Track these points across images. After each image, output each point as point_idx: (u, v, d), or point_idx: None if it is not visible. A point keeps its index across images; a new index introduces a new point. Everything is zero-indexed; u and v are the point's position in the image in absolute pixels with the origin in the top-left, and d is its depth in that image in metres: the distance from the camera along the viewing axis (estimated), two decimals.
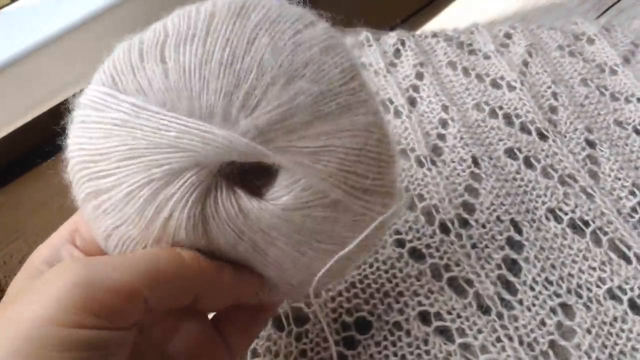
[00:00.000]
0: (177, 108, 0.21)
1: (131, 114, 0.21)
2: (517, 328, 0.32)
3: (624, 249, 0.34)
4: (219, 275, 0.22)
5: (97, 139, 0.22)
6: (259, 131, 0.21)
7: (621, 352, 0.31)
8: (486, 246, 0.35)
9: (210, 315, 0.27)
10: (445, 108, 0.42)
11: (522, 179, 0.38)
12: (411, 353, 0.31)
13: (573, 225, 0.36)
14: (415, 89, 0.44)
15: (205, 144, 0.21)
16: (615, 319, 0.32)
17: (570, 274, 0.34)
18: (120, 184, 0.21)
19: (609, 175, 0.38)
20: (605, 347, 0.31)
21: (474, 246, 0.35)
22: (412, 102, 0.44)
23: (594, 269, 0.34)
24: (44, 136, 0.46)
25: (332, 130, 0.22)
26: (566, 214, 0.36)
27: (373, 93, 0.25)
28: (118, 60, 0.23)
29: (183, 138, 0.21)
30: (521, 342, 0.31)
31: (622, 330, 0.32)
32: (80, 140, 0.23)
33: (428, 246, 0.35)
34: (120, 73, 0.22)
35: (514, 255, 0.34)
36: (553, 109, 0.43)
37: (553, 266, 0.34)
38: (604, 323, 0.32)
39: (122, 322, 0.19)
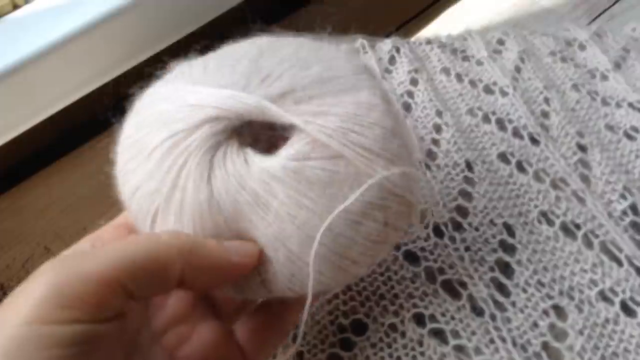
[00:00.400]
0: (204, 83, 0.25)
1: (169, 89, 0.26)
2: (510, 330, 0.32)
3: (615, 251, 0.35)
4: (202, 247, 0.22)
5: (143, 116, 0.26)
6: (270, 98, 0.24)
7: (613, 353, 0.31)
8: (479, 249, 0.35)
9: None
10: (439, 113, 0.43)
11: (514, 183, 0.39)
12: (406, 354, 0.32)
13: (565, 228, 0.36)
14: (410, 94, 0.45)
15: (223, 101, 0.24)
16: (607, 320, 0.32)
17: (562, 276, 0.34)
18: (147, 143, 0.24)
19: (600, 179, 0.39)
20: (598, 348, 0.31)
21: (467, 249, 0.35)
22: (407, 107, 0.44)
23: (586, 271, 0.34)
24: (46, 141, 0.47)
25: (336, 102, 0.25)
26: (558, 217, 0.37)
27: (386, 90, 0.27)
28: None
29: (204, 99, 0.24)
30: (514, 344, 0.32)
31: (614, 332, 0.32)
32: (130, 123, 0.27)
33: (422, 249, 0.36)
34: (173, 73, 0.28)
35: (507, 258, 0.35)
36: (545, 114, 0.43)
37: (545, 268, 0.34)
38: (596, 325, 0.32)
39: (101, 313, 0.19)
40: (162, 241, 0.21)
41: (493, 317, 0.33)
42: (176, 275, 0.21)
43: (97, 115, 0.49)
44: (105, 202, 0.43)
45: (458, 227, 0.36)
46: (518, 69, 0.47)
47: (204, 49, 0.46)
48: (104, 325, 0.19)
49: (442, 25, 0.57)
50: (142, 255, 0.20)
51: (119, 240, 0.22)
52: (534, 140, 0.41)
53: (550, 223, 0.37)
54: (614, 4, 0.58)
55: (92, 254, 0.20)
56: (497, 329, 0.32)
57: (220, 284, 0.25)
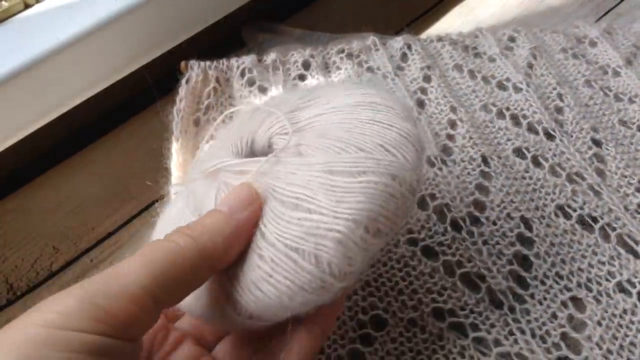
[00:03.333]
0: None
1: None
2: (529, 321, 0.32)
3: (632, 244, 0.35)
4: (217, 236, 0.23)
5: None
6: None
7: (631, 343, 0.32)
8: (497, 242, 0.35)
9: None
10: (453, 109, 0.43)
11: (530, 177, 0.39)
12: (426, 349, 0.32)
13: (582, 221, 0.37)
14: (424, 91, 0.45)
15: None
16: (624, 311, 0.33)
17: (580, 269, 0.34)
18: None
19: (616, 173, 0.39)
20: (616, 338, 0.32)
21: (485, 243, 0.35)
22: (421, 104, 0.44)
23: (603, 263, 0.35)
24: (53, 142, 0.47)
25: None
26: (575, 210, 0.37)
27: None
28: None
29: None
30: (533, 335, 0.32)
31: (632, 322, 0.32)
32: None
33: (440, 244, 0.36)
34: None
35: (525, 251, 0.35)
36: (559, 110, 0.43)
37: (563, 261, 0.35)
38: (614, 315, 0.33)
39: (128, 330, 0.19)
40: (179, 247, 0.22)
41: (512, 309, 0.33)
42: (204, 273, 0.22)
43: (103, 115, 0.49)
44: (112, 203, 0.44)
45: (476, 221, 0.37)
46: (530, 65, 0.47)
47: (209, 50, 0.47)
48: (126, 344, 0.19)
49: (450, 24, 0.58)
50: (165, 266, 0.21)
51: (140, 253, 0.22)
52: (549, 135, 0.41)
53: (567, 216, 0.37)
54: (619, 2, 0.59)
55: (117, 272, 0.20)
56: (516, 320, 0.32)
57: (239, 249, 0.24)
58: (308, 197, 0.23)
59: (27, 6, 0.45)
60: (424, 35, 0.52)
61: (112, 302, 0.19)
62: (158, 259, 0.21)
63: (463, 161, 0.40)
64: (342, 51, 0.48)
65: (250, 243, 0.24)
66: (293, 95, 0.30)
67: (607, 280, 0.34)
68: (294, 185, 0.24)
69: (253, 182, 0.25)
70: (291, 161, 0.25)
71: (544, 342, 0.32)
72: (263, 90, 0.45)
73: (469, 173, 0.39)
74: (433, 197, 0.38)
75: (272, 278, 0.23)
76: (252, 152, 0.29)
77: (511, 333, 0.32)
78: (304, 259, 0.23)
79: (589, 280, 0.34)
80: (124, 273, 0.20)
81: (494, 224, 0.36)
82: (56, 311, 0.18)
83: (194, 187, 0.28)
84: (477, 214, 0.37)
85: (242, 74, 0.45)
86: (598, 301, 0.33)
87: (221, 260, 0.23)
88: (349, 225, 0.23)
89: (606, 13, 0.58)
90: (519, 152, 0.41)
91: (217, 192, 0.26)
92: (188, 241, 0.22)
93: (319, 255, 0.23)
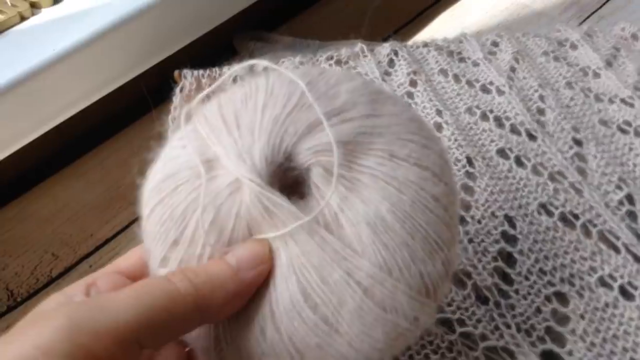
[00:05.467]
0: None
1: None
2: (514, 316, 0.33)
3: (613, 239, 0.36)
4: (219, 287, 0.21)
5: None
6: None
7: (614, 335, 0.33)
8: (482, 240, 0.37)
9: None
10: (439, 112, 0.44)
11: (514, 177, 0.40)
12: (415, 344, 0.33)
13: (564, 218, 0.38)
14: (410, 95, 0.46)
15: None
16: (607, 305, 0.34)
17: (562, 264, 0.36)
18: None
19: (596, 171, 0.40)
20: (599, 331, 0.33)
21: (470, 241, 0.37)
22: None
23: (585, 259, 0.36)
24: (51, 151, 0.48)
25: None
26: (557, 208, 0.38)
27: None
28: None
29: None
30: (519, 329, 0.33)
31: (614, 316, 0.33)
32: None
33: None
34: None
35: (509, 248, 0.36)
36: (541, 111, 0.45)
37: (546, 257, 0.36)
38: (597, 309, 0.34)
39: None
40: (177, 292, 0.20)
41: (497, 305, 0.34)
42: (195, 324, 0.21)
43: (100, 124, 0.50)
44: (110, 210, 0.45)
45: (461, 220, 0.38)
46: (513, 69, 0.48)
47: (202, 60, 0.48)
48: None
49: (437, 30, 0.59)
50: (159, 310, 0.19)
51: (118, 289, 0.20)
52: (531, 136, 0.43)
53: (549, 214, 0.38)
54: (602, 5, 0.60)
55: (107, 304, 0.19)
56: (501, 315, 0.33)
57: (238, 307, 0.22)
58: (334, 307, 0.21)
59: (23, 19, 0.45)
60: (410, 42, 0.53)
61: (95, 342, 0.17)
62: (152, 300, 0.19)
63: None
64: (331, 58, 0.49)
65: (254, 304, 0.22)
66: (353, 97, 0.24)
67: (589, 275, 0.35)
68: (325, 283, 0.21)
69: (273, 243, 0.22)
70: (330, 241, 0.21)
71: (529, 336, 0.33)
72: None
73: (454, 174, 0.40)
74: None
75: (265, 358, 0.22)
76: (286, 164, 0.23)
77: (497, 328, 0.33)
78: None
79: (572, 275, 0.35)
80: (114, 307, 0.19)
81: (479, 222, 0.38)
82: (37, 346, 0.17)
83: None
84: (462, 213, 0.38)
85: (235, 82, 0.46)
86: (581, 295, 0.34)
87: (217, 315, 0.22)
88: (359, 358, 0.21)
89: (589, 16, 0.60)
90: (502, 153, 0.42)
91: (237, 218, 0.22)
92: (189, 288, 0.20)
93: None
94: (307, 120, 0.23)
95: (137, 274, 0.25)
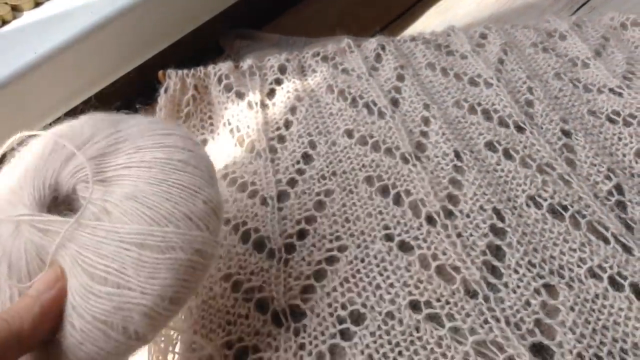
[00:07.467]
0: None
1: None
2: (503, 309, 0.33)
3: (602, 230, 0.36)
4: (27, 320, 0.24)
5: None
6: None
7: (604, 326, 0.32)
8: (471, 234, 0.36)
9: None
10: (426, 107, 0.44)
11: (502, 170, 0.40)
12: (404, 340, 0.33)
13: (552, 210, 0.37)
14: (397, 90, 0.46)
15: None
16: (596, 296, 0.34)
17: (552, 256, 0.35)
18: None
19: (585, 162, 0.40)
20: (589, 322, 0.32)
21: (459, 235, 0.36)
22: (395, 102, 0.45)
23: (574, 250, 0.35)
24: None
25: None
26: (545, 200, 0.38)
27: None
28: None
29: None
30: (508, 323, 0.33)
31: (604, 307, 0.33)
32: None
33: (416, 238, 0.37)
34: None
35: (498, 242, 0.36)
36: (529, 103, 0.44)
37: (535, 250, 0.36)
38: (586, 300, 0.33)
39: None
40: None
41: (486, 299, 0.34)
42: (15, 351, 0.24)
43: None
44: None
45: (450, 214, 0.37)
46: (501, 61, 0.48)
47: (188, 59, 0.47)
48: None
49: (426, 24, 0.59)
50: None
51: None
52: (520, 128, 0.42)
53: (538, 206, 0.38)
54: None
55: None
56: (490, 309, 0.33)
57: (51, 324, 0.26)
58: (117, 271, 0.25)
59: (4, 22, 0.45)
60: (398, 37, 0.53)
61: None
62: None
63: (436, 157, 0.41)
64: (318, 54, 0.49)
65: (64, 314, 0.25)
66: (97, 128, 0.30)
67: (578, 266, 0.35)
68: (103, 257, 0.25)
69: (58, 257, 0.26)
70: (99, 226, 0.26)
71: (519, 329, 0.32)
72: (240, 95, 0.45)
73: (442, 168, 0.40)
74: (408, 193, 0.39)
75: (83, 345, 0.25)
76: (55, 197, 0.28)
77: (486, 321, 0.33)
78: (112, 330, 0.25)
79: (561, 267, 0.35)
80: None
81: (468, 216, 0.37)
82: None
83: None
84: (450, 207, 0.38)
85: (220, 81, 0.46)
86: (570, 287, 0.34)
87: (33, 337, 0.24)
88: (156, 300, 0.25)
89: (580, 7, 0.59)
90: (490, 146, 0.41)
91: (26, 252, 0.26)
92: (3, 325, 0.23)
93: (127, 326, 0.25)
94: (63, 157, 0.28)
95: None
